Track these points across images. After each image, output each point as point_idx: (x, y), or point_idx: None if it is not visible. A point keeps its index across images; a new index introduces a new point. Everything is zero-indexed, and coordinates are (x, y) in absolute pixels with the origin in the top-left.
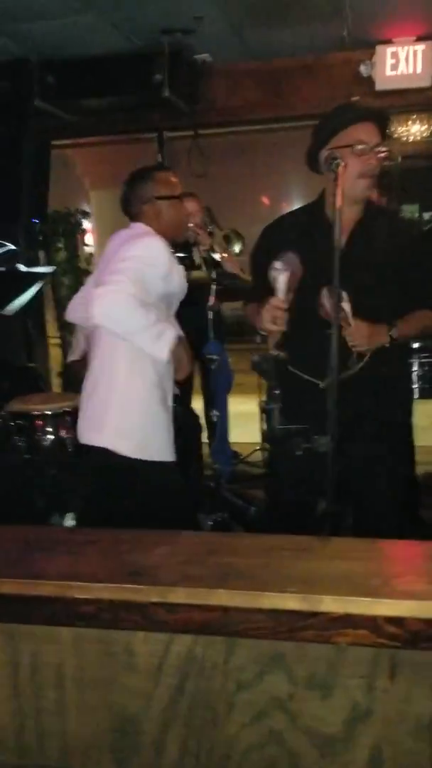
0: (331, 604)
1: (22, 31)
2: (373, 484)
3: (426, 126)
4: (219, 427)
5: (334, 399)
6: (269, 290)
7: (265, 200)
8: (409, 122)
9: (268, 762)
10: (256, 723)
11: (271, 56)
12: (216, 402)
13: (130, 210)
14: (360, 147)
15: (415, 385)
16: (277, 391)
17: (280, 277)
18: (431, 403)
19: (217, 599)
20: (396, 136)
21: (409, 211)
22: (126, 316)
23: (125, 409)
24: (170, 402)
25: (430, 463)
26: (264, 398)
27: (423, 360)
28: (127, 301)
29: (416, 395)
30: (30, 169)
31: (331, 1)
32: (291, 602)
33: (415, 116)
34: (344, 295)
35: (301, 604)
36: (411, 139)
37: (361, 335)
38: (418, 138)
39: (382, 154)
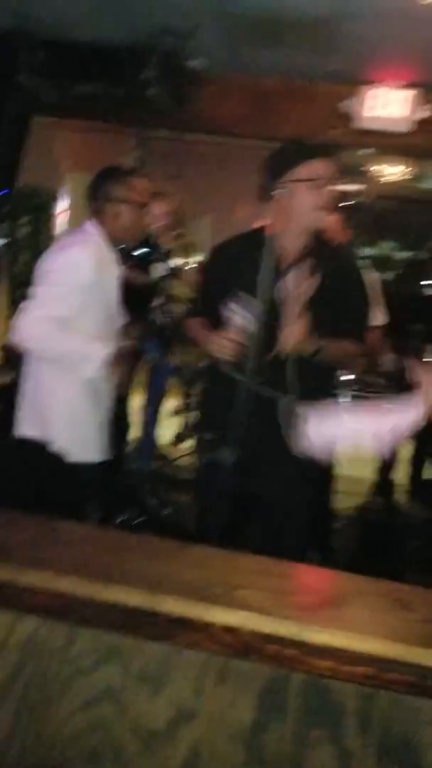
0: (171, 606)
1: (22, 7)
2: (280, 505)
3: (402, 168)
4: (145, 427)
5: (243, 412)
6: (213, 307)
7: (238, 211)
8: (387, 163)
9: (91, 750)
10: (86, 710)
11: (262, 74)
12: (148, 401)
13: (92, 204)
14: (316, 180)
15: None
16: (190, 400)
17: (236, 317)
18: None
19: (65, 586)
20: (373, 175)
21: (387, 248)
22: (42, 345)
23: (53, 407)
24: (106, 400)
25: (357, 493)
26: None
27: (354, 393)
28: (41, 329)
29: None
30: (5, 139)
31: (325, 34)
32: (134, 598)
33: (392, 157)
34: (312, 283)
35: (143, 601)
36: (390, 180)
37: (294, 330)
38: (396, 179)
39: (337, 188)
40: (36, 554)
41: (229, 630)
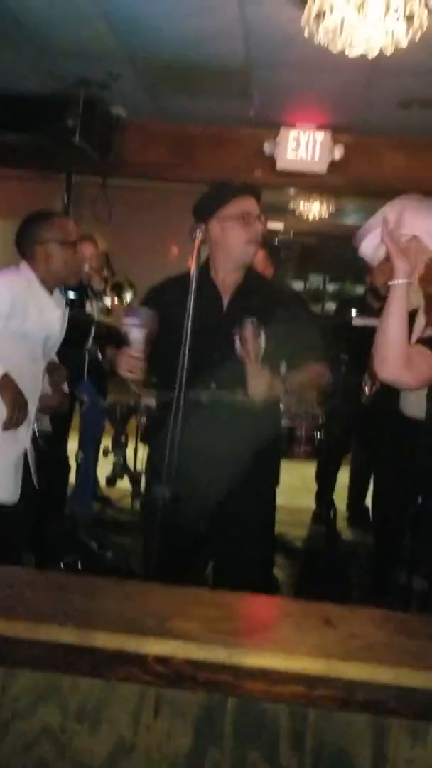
0: (105, 640)
1: None
2: (225, 539)
3: (325, 206)
4: (81, 470)
5: (174, 449)
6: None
7: (170, 252)
8: (309, 201)
9: None
10: (26, 752)
11: (184, 121)
12: (82, 443)
13: (22, 248)
14: (244, 216)
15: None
16: (122, 440)
17: (133, 330)
18: (308, 466)
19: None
20: (295, 213)
21: (315, 282)
22: None
23: None
24: (24, 440)
25: (302, 524)
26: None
27: (287, 421)
28: None
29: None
30: None
31: (239, 80)
32: (67, 636)
33: (315, 196)
34: (262, 332)
35: (76, 638)
36: (311, 217)
37: (261, 380)
38: (319, 217)
39: (265, 224)
40: None
41: (162, 660)
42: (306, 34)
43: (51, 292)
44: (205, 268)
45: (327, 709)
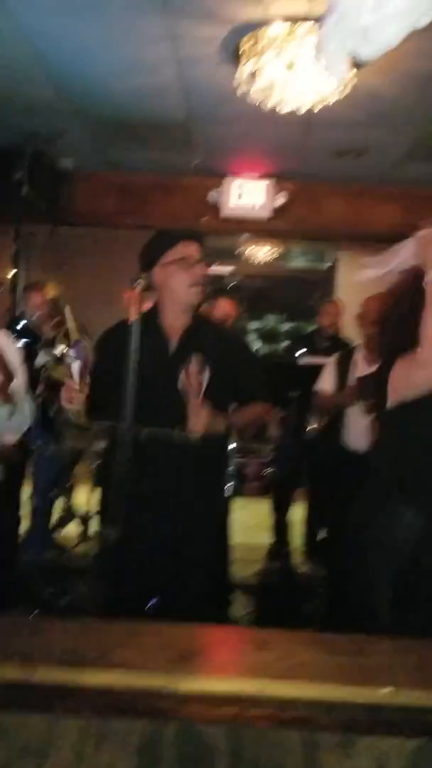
0: (45, 675)
1: None
2: (176, 578)
3: (269, 249)
4: (34, 517)
5: (121, 489)
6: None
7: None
8: (255, 245)
9: None
10: None
11: (132, 170)
12: (35, 491)
13: None
14: (186, 260)
15: (229, 484)
16: (68, 484)
17: (74, 364)
18: (262, 503)
19: None
20: (244, 257)
21: (273, 321)
22: None
23: None
24: None
25: (256, 560)
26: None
27: (238, 459)
28: None
29: (228, 493)
30: None
31: (182, 133)
32: (9, 673)
33: (259, 240)
34: (207, 368)
35: (18, 674)
36: (259, 260)
37: (202, 415)
38: (265, 259)
39: (206, 267)
40: None
41: (103, 691)
42: (239, 93)
43: None
44: (152, 313)
45: (262, 728)
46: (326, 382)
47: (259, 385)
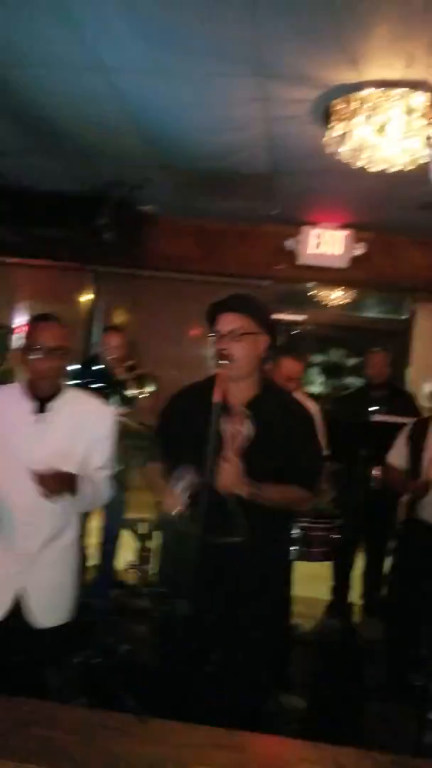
0: None
1: None
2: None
3: (342, 297)
4: (101, 560)
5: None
6: (170, 454)
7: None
8: (329, 293)
9: None
10: None
11: (211, 217)
12: (104, 535)
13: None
14: (217, 333)
15: (293, 548)
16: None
17: (180, 484)
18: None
19: None
20: (316, 304)
21: (338, 355)
22: None
23: None
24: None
25: (312, 615)
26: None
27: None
28: None
29: (293, 556)
30: None
31: (264, 184)
32: None
33: (333, 289)
34: (250, 424)
35: None
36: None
37: (230, 469)
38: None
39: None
40: None
41: None
42: (327, 152)
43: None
44: (212, 379)
45: None
46: (397, 457)
47: (308, 474)
